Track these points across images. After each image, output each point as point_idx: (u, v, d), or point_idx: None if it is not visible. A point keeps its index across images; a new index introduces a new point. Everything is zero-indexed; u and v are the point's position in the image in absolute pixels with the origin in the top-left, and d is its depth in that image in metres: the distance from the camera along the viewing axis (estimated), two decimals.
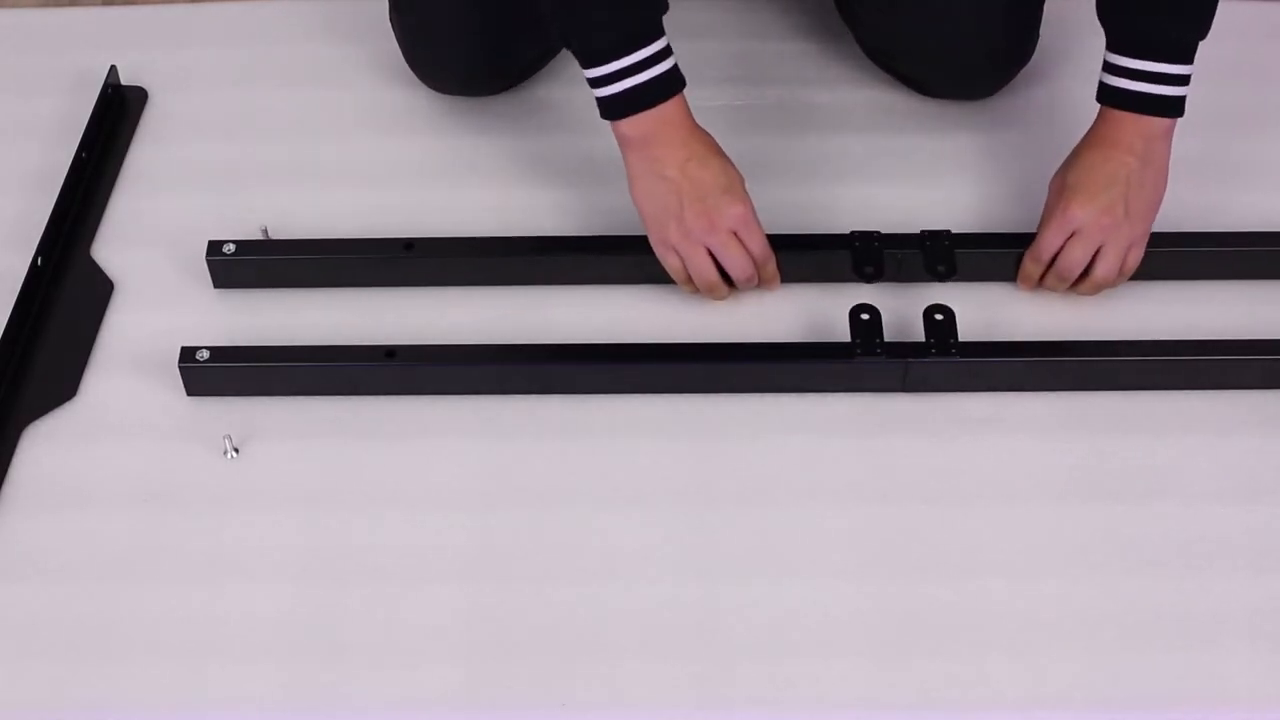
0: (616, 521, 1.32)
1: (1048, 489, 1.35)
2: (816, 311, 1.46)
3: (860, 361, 1.38)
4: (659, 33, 1.35)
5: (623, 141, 1.38)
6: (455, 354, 1.40)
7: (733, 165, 1.40)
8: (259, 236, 1.49)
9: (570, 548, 1.31)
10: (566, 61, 1.69)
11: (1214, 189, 1.58)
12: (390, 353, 1.39)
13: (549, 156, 1.60)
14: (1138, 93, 1.37)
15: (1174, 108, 1.38)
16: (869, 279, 1.44)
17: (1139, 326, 1.45)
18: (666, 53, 1.35)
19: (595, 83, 1.35)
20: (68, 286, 1.49)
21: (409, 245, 1.47)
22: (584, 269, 1.47)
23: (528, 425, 1.38)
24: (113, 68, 1.64)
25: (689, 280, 1.42)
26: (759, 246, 1.41)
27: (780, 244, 1.47)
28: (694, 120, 1.39)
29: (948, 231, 1.46)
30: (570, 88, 1.66)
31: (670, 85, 1.36)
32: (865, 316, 1.40)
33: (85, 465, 1.35)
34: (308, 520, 1.32)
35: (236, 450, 1.35)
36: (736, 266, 1.40)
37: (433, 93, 1.65)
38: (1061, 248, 1.42)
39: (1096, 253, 1.41)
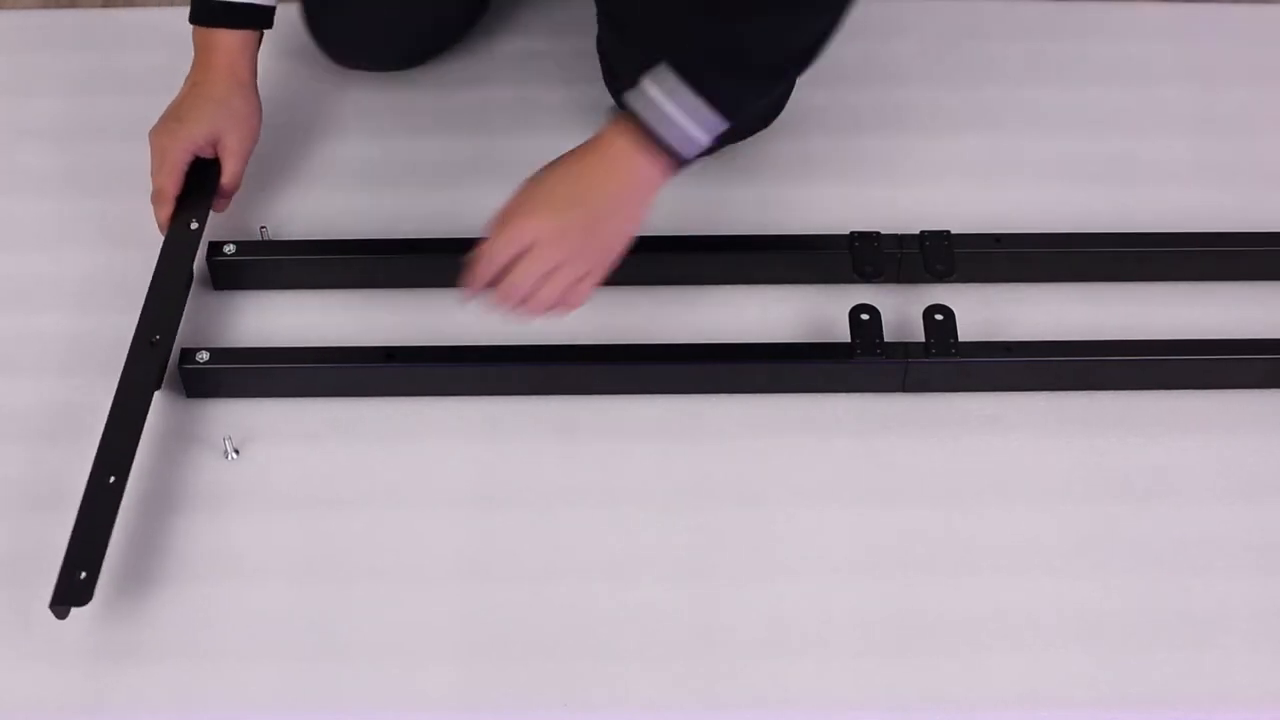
0: (616, 521, 1.32)
1: (1048, 489, 1.35)
2: (816, 311, 1.46)
3: (860, 362, 1.38)
4: None
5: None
6: (455, 354, 1.40)
7: (224, 112, 1.43)
8: (258, 237, 1.49)
9: (570, 548, 1.31)
10: (565, 61, 1.69)
11: (1214, 189, 1.58)
12: (390, 353, 1.39)
13: (548, 156, 1.59)
14: (672, 119, 1.25)
15: (687, 159, 1.28)
16: (869, 278, 1.44)
17: (1139, 326, 1.45)
18: None
19: None
20: None
21: (409, 245, 1.47)
22: None
23: (528, 425, 1.38)
24: None
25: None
26: (157, 180, 1.43)
27: (780, 244, 1.47)
28: (244, 67, 1.45)
29: (947, 232, 1.46)
30: (568, 89, 1.66)
31: (235, 16, 1.43)
32: (865, 317, 1.40)
33: (85, 466, 1.35)
34: (308, 521, 1.32)
35: (237, 451, 1.35)
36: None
37: (433, 92, 1.65)
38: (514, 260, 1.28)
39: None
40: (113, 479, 1.26)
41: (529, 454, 1.36)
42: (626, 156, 1.27)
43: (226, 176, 1.44)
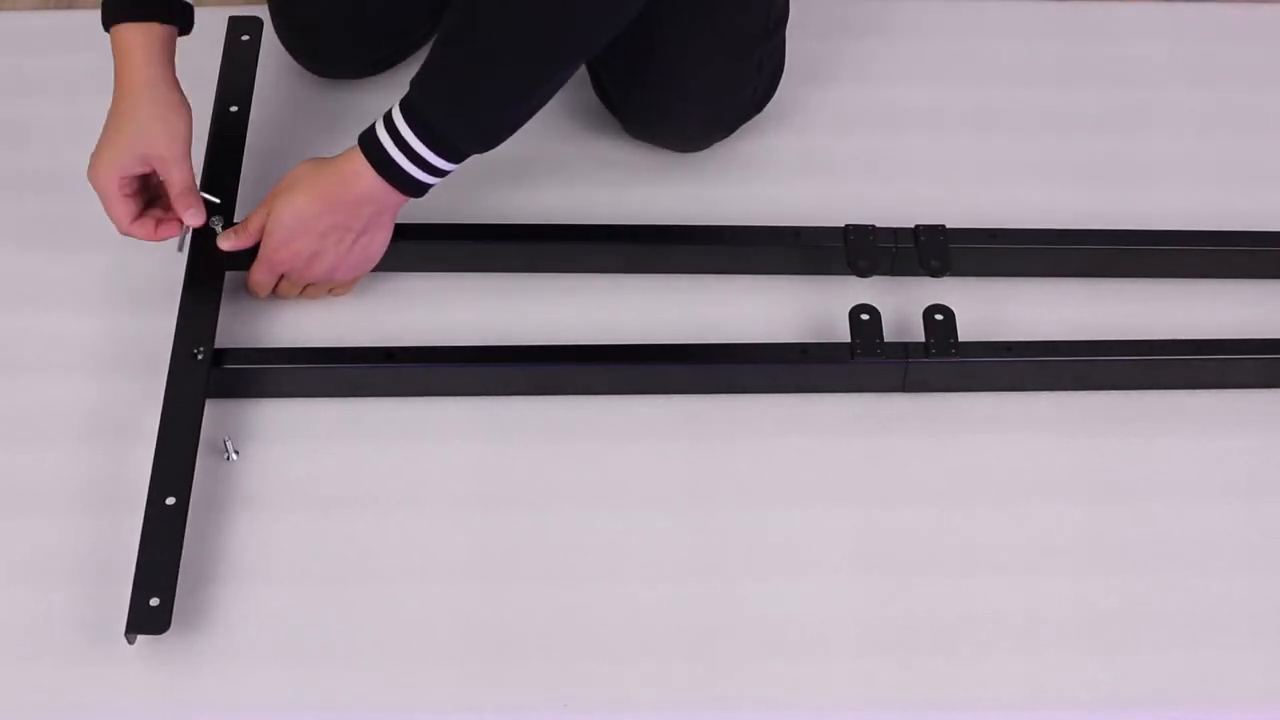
0: (617, 521, 1.32)
1: (1048, 489, 1.35)
2: (816, 312, 1.46)
3: (860, 362, 1.38)
4: None
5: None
6: (455, 354, 1.40)
7: (151, 130, 1.34)
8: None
9: (570, 548, 1.31)
10: None
11: (1214, 189, 1.58)
12: (390, 353, 1.39)
13: (539, 157, 1.59)
14: (400, 168, 1.33)
15: (420, 190, 1.36)
16: (862, 273, 1.44)
17: (1138, 325, 1.45)
18: None
19: None
20: None
21: (402, 232, 1.45)
22: (580, 257, 1.48)
23: (528, 425, 1.38)
24: None
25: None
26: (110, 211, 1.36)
27: (774, 235, 1.47)
28: (149, 64, 1.36)
29: (942, 226, 1.46)
30: (567, 90, 1.66)
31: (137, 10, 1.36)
32: (865, 317, 1.40)
33: (85, 468, 1.35)
34: (308, 522, 1.32)
35: (237, 452, 1.35)
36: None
37: None
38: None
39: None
40: (172, 500, 1.25)
41: (529, 454, 1.36)
42: (365, 182, 1.33)
43: (174, 188, 1.35)
